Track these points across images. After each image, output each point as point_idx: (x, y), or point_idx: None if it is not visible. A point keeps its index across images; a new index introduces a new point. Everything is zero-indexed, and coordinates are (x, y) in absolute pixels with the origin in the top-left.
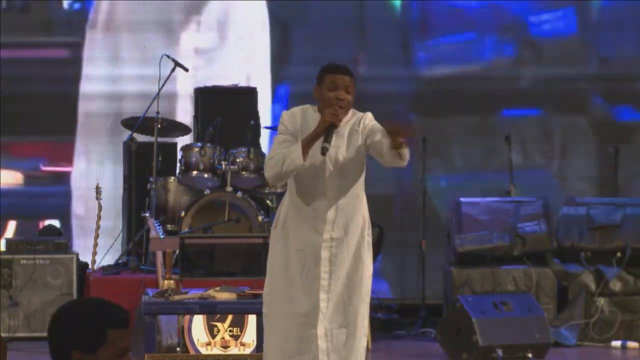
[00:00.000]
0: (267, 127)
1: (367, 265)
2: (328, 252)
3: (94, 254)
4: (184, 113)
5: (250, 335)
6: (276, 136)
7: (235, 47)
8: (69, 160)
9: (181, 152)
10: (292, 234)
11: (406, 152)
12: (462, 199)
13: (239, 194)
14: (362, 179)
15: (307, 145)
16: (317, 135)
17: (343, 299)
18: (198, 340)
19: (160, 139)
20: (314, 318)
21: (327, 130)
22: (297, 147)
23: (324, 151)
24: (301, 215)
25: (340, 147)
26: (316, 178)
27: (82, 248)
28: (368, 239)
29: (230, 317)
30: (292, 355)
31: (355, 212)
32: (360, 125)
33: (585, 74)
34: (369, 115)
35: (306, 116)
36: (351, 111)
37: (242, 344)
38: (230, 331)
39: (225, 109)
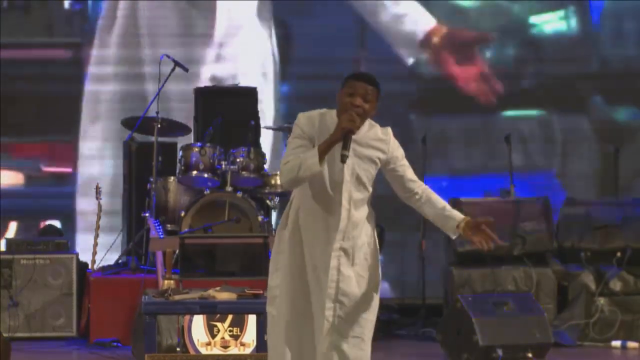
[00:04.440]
0: (267, 127)
1: (374, 277)
2: (337, 261)
3: (94, 253)
4: (184, 113)
5: (250, 335)
6: (291, 139)
7: (242, 47)
8: (69, 161)
9: (181, 152)
10: (305, 240)
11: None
12: (462, 199)
13: (239, 194)
14: (370, 193)
15: (323, 152)
16: (333, 142)
17: (353, 310)
18: (198, 340)
19: (160, 139)
20: (321, 326)
21: (344, 137)
22: (314, 152)
23: (343, 159)
24: (315, 223)
25: (358, 158)
26: (333, 187)
27: (83, 248)
28: (376, 251)
29: (230, 317)
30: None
31: (364, 224)
32: (384, 144)
33: (586, 74)
34: (392, 135)
35: (325, 120)
36: (368, 122)
37: (242, 344)
38: (230, 331)
39: (225, 109)
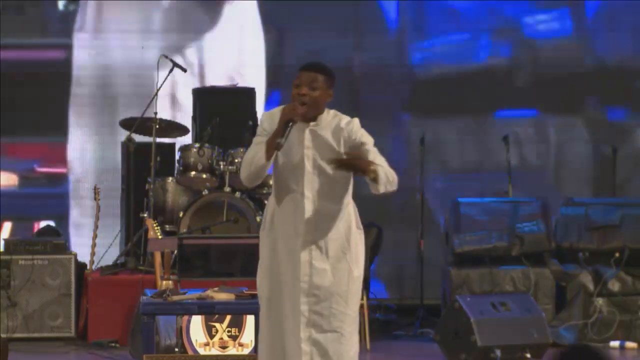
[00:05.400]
0: None
1: (352, 270)
2: (308, 255)
3: (92, 254)
4: (183, 113)
5: (248, 335)
6: (254, 137)
7: (228, 48)
8: (64, 162)
9: (179, 152)
10: (279, 236)
11: (380, 175)
12: (460, 199)
13: (238, 194)
14: (347, 185)
15: (269, 144)
16: (277, 134)
17: (329, 304)
18: (196, 340)
19: (158, 140)
20: (297, 321)
21: (284, 126)
22: (262, 146)
23: (277, 147)
24: (284, 217)
25: (319, 148)
26: (296, 180)
27: (81, 248)
28: (357, 244)
29: (228, 317)
30: (280, 357)
31: (337, 216)
32: (346, 133)
33: (581, 74)
34: (356, 124)
35: None
36: (332, 112)
37: (240, 345)
38: (228, 332)
39: (223, 109)
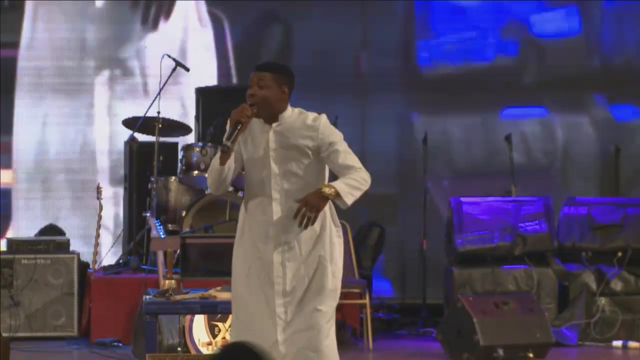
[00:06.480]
0: None
1: (327, 268)
2: (280, 256)
3: (95, 253)
4: (185, 113)
5: None
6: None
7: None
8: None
9: (182, 152)
10: (250, 239)
11: (340, 191)
12: (463, 199)
13: (240, 193)
14: (318, 183)
15: (223, 149)
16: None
17: (304, 304)
18: (199, 340)
19: (161, 139)
20: (273, 324)
21: (233, 128)
22: (219, 152)
23: (224, 149)
24: (255, 220)
25: (284, 149)
26: (263, 182)
27: (82, 248)
28: (333, 242)
29: (231, 316)
30: None
31: None
32: (314, 130)
33: (587, 73)
34: (324, 121)
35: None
36: (297, 110)
37: None
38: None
39: (226, 108)
